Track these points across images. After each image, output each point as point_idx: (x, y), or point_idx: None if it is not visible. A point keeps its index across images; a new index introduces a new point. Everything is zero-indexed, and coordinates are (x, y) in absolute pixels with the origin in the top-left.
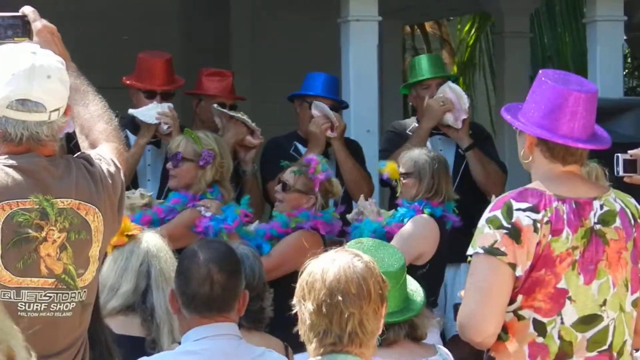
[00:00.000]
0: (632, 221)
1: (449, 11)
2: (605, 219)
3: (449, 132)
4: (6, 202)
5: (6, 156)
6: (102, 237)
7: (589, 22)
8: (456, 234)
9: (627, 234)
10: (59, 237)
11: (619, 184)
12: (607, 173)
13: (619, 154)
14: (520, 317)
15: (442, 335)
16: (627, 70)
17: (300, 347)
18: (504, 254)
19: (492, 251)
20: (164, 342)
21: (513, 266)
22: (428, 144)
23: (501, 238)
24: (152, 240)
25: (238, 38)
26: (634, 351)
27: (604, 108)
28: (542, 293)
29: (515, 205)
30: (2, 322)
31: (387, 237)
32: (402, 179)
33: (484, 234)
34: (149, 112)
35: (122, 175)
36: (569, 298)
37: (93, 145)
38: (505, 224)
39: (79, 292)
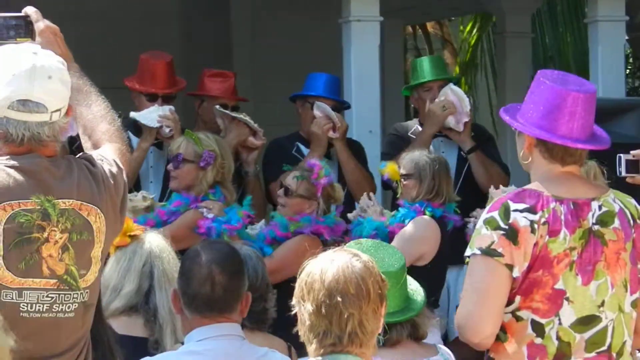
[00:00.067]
0: (632, 222)
1: (450, 11)
2: (604, 220)
3: (450, 134)
4: (7, 202)
5: (7, 157)
6: (104, 238)
7: (591, 22)
8: (458, 234)
9: (626, 234)
10: (60, 238)
11: (618, 183)
12: (605, 172)
13: (621, 154)
14: (518, 318)
15: (445, 336)
16: (628, 71)
17: (303, 348)
18: (501, 255)
19: (489, 252)
20: (166, 343)
21: (510, 267)
22: (430, 146)
23: (498, 239)
24: (155, 241)
25: (238, 38)
26: (637, 352)
27: (606, 108)
28: (540, 294)
29: (513, 206)
30: None
31: (390, 237)
32: (402, 180)
33: (482, 234)
34: (151, 116)
35: (124, 175)
36: (567, 299)
37: (96, 146)
38: (502, 225)
39: (81, 293)
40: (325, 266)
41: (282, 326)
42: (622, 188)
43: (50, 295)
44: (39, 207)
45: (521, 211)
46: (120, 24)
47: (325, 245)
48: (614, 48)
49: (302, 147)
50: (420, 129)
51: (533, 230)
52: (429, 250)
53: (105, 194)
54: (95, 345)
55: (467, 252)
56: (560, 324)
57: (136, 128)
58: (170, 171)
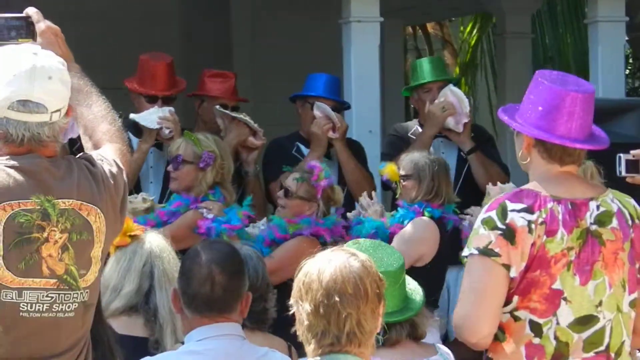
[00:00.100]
0: (630, 222)
1: (450, 11)
2: (602, 220)
3: (450, 135)
4: (7, 202)
5: (7, 157)
6: (104, 238)
7: (591, 23)
8: (458, 235)
9: (624, 234)
10: (60, 238)
11: (616, 183)
12: (601, 172)
13: (621, 154)
14: (516, 318)
15: (445, 336)
16: (628, 71)
17: (304, 348)
18: (498, 255)
19: (486, 252)
20: (167, 343)
21: (507, 267)
22: (430, 147)
23: (495, 239)
24: (155, 241)
25: (238, 38)
26: (637, 351)
27: (606, 109)
28: (538, 294)
29: (510, 206)
30: None
31: (390, 237)
32: (402, 180)
33: (479, 234)
34: (150, 117)
35: (124, 175)
36: (565, 299)
37: (96, 146)
38: (499, 225)
39: (81, 293)
40: (323, 266)
41: (283, 326)
42: (620, 188)
43: (50, 295)
44: (38, 207)
45: (519, 211)
46: (120, 24)
47: (325, 245)
48: (613, 48)
49: (302, 147)
50: (420, 129)
51: (530, 230)
52: (428, 251)
53: (105, 194)
54: (95, 345)
55: (465, 252)
56: (558, 324)
57: (136, 129)
58: (170, 172)
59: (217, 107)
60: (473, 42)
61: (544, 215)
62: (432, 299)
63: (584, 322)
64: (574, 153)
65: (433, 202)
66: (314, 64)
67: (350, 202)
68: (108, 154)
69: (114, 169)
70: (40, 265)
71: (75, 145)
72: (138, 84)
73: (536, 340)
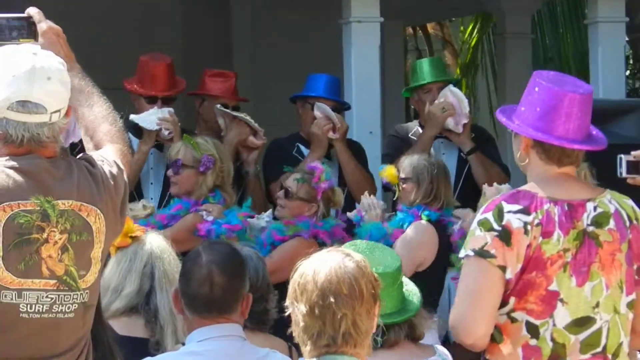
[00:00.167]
0: (628, 223)
1: (450, 11)
2: (599, 221)
3: (450, 136)
4: (7, 203)
5: (7, 158)
6: (104, 239)
7: (591, 23)
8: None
9: (622, 235)
10: (60, 239)
11: (615, 185)
12: (594, 173)
13: (622, 155)
14: (513, 320)
15: (446, 337)
16: (629, 72)
17: None
18: (493, 256)
19: (482, 253)
20: (167, 344)
21: (503, 268)
22: (431, 148)
23: (491, 240)
24: (156, 242)
25: (238, 38)
26: (637, 353)
27: (606, 109)
28: (534, 295)
29: (507, 207)
30: None
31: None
32: (401, 183)
33: (475, 236)
34: (150, 118)
35: (124, 176)
36: (561, 300)
37: (97, 147)
38: (495, 226)
39: (81, 294)
40: (318, 267)
41: (284, 326)
42: (618, 190)
43: (50, 295)
44: (38, 208)
45: (515, 212)
46: (121, 25)
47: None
48: (614, 49)
49: (303, 148)
50: (420, 130)
51: (526, 232)
52: (428, 254)
53: (105, 194)
54: (95, 346)
55: (461, 254)
56: (554, 325)
57: (137, 130)
58: (170, 177)
59: (218, 106)
60: (473, 42)
61: (540, 217)
62: (431, 300)
63: (580, 323)
64: (572, 154)
65: (431, 205)
66: (314, 64)
67: (350, 203)
68: (108, 155)
69: (114, 170)
70: (40, 266)
71: (75, 149)
72: (138, 85)
73: (533, 342)
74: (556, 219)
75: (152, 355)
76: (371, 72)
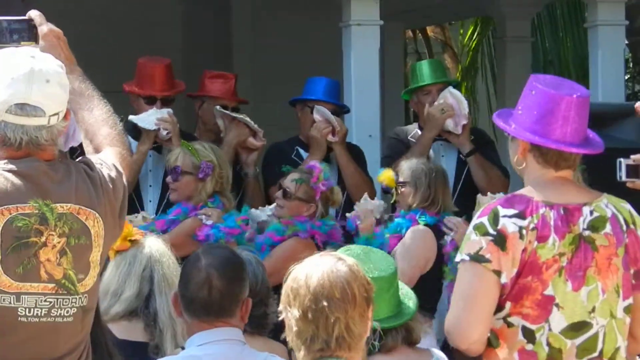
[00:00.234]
0: (624, 227)
1: (450, 15)
2: (595, 225)
3: (449, 137)
4: (5, 207)
5: (5, 161)
6: (103, 242)
7: (591, 27)
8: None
9: (618, 239)
10: (58, 242)
11: (610, 188)
12: (586, 176)
13: (622, 159)
14: (509, 324)
15: (446, 342)
16: (628, 75)
17: None
18: (488, 260)
19: (477, 258)
20: (166, 347)
21: (498, 273)
22: (430, 150)
23: (486, 245)
24: (155, 245)
25: (238, 38)
26: (637, 358)
27: (606, 113)
28: (530, 300)
29: (502, 212)
30: None
31: (390, 246)
32: (399, 187)
33: (471, 240)
34: (149, 118)
35: (124, 179)
36: (557, 305)
37: (97, 150)
38: (491, 230)
39: (79, 297)
40: (311, 271)
41: (283, 330)
42: (616, 193)
43: (48, 299)
44: (36, 211)
45: (510, 217)
46: (120, 25)
47: (322, 249)
48: (613, 52)
49: (302, 151)
50: (420, 132)
51: (521, 236)
52: (429, 258)
53: (103, 198)
54: (94, 349)
55: (457, 258)
56: (550, 330)
57: (136, 132)
58: (170, 184)
59: (217, 107)
60: (473, 45)
61: (535, 221)
62: (428, 305)
63: (577, 328)
64: (570, 157)
65: (429, 209)
66: (314, 65)
67: (350, 207)
68: (108, 158)
69: (113, 173)
70: (38, 269)
71: (75, 154)
72: (136, 86)
73: (529, 347)
74: (552, 223)
75: (152, 359)
76: (371, 75)
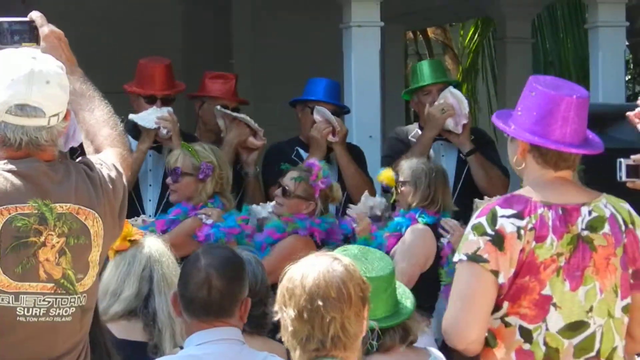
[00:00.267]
0: (623, 227)
1: (451, 16)
2: (594, 225)
3: (450, 137)
4: (5, 207)
5: (5, 161)
6: (102, 242)
7: (591, 28)
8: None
9: (617, 239)
10: (57, 242)
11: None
12: (582, 176)
13: (622, 159)
14: (507, 324)
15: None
16: (629, 76)
17: None
18: (486, 260)
19: (475, 258)
20: (166, 347)
21: (495, 273)
22: (430, 150)
23: (484, 245)
24: (155, 245)
25: (239, 38)
26: (636, 357)
27: (606, 114)
28: (527, 300)
29: (500, 212)
30: None
31: (389, 246)
32: (399, 186)
33: (469, 240)
34: (149, 117)
35: (124, 180)
36: (554, 305)
37: (97, 151)
38: (489, 230)
39: (78, 297)
40: (306, 271)
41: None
42: (616, 193)
43: (47, 299)
44: (36, 212)
45: (508, 217)
46: (121, 25)
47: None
48: (614, 53)
49: (302, 152)
50: (420, 132)
51: (519, 236)
52: (429, 256)
53: (103, 198)
54: (93, 349)
55: (455, 258)
56: (547, 329)
57: (136, 132)
58: (170, 185)
59: (218, 107)
60: (474, 47)
61: (533, 221)
62: (427, 304)
63: (574, 328)
64: (569, 158)
65: (429, 208)
66: (315, 65)
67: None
68: (108, 159)
69: (113, 174)
70: (37, 269)
71: (75, 154)
72: (137, 86)
73: (526, 346)
74: (550, 223)
75: (151, 358)
76: (371, 76)
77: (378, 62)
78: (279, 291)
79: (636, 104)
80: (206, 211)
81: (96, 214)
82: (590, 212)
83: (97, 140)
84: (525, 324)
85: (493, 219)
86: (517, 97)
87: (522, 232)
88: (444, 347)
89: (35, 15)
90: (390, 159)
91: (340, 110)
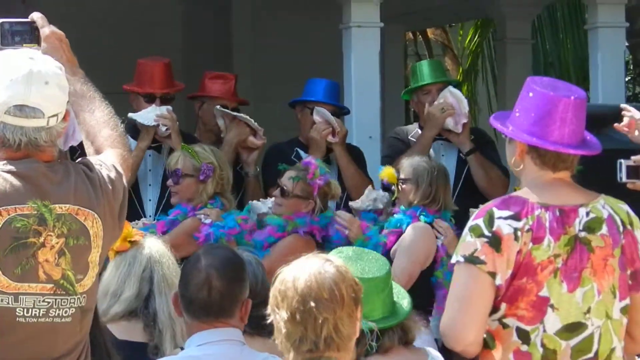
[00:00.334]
0: (621, 228)
1: (451, 17)
2: (591, 226)
3: (450, 136)
4: (4, 207)
5: (4, 162)
6: (102, 243)
7: (591, 29)
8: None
9: (615, 240)
10: (57, 243)
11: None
12: (580, 175)
13: (622, 160)
14: (504, 326)
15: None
16: (629, 77)
17: None
18: (483, 262)
19: (472, 260)
20: (166, 348)
21: (493, 275)
22: (430, 149)
23: (481, 246)
24: (155, 246)
25: (238, 38)
26: (636, 357)
27: (606, 115)
28: (525, 301)
29: (497, 213)
30: None
31: (389, 244)
32: (400, 184)
33: (466, 242)
34: (148, 115)
35: (124, 180)
36: (552, 306)
37: (98, 152)
38: (486, 232)
39: (78, 298)
40: (298, 273)
41: None
42: (615, 194)
43: (46, 300)
44: (35, 212)
45: (505, 218)
46: (121, 25)
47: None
48: (614, 54)
49: (302, 153)
50: (420, 132)
51: (516, 238)
52: (429, 254)
53: (102, 199)
54: (93, 349)
55: (453, 260)
56: (545, 331)
57: (136, 132)
58: (170, 187)
59: (218, 107)
60: (473, 47)
61: (530, 223)
62: (426, 304)
63: (571, 329)
64: (568, 159)
65: (429, 207)
66: (314, 65)
67: (349, 208)
68: (108, 159)
69: (113, 174)
70: (37, 270)
71: (75, 154)
72: (136, 85)
73: (524, 348)
74: (547, 224)
75: (151, 359)
76: (371, 77)
77: (378, 62)
78: (271, 294)
79: (622, 107)
80: (205, 211)
81: (95, 215)
82: (587, 214)
83: (97, 141)
84: (522, 326)
85: (490, 220)
86: (517, 97)
87: (519, 233)
88: (444, 347)
89: (36, 16)
90: (390, 159)
91: (340, 111)
